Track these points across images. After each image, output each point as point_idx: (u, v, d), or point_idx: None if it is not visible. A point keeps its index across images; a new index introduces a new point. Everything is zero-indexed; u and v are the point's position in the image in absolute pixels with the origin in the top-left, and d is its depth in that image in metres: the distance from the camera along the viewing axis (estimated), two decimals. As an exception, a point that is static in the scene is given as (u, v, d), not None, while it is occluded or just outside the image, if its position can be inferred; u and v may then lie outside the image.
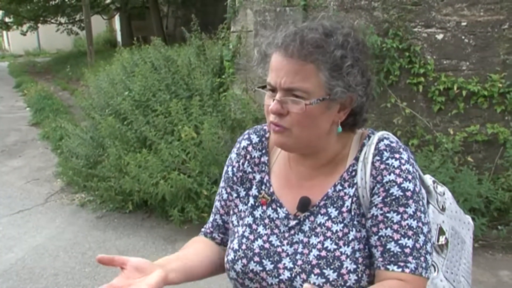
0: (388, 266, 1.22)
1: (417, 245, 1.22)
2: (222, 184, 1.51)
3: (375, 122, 5.17)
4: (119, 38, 23.01)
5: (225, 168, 1.51)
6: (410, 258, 1.21)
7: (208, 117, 5.04)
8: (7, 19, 19.67)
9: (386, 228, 1.23)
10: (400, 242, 1.22)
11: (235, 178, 1.46)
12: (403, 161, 1.26)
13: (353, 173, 1.30)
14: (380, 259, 1.23)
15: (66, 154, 6.90)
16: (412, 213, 1.23)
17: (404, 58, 5.05)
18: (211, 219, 1.54)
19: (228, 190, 1.48)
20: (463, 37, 4.99)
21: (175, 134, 5.12)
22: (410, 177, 1.25)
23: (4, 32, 26.91)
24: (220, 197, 1.50)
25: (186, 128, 4.88)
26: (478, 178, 4.65)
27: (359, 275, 1.23)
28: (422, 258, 1.22)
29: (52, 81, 14.98)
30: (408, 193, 1.24)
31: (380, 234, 1.23)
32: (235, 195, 1.45)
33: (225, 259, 1.38)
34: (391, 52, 5.00)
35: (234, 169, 1.47)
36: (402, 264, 1.21)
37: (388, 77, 5.06)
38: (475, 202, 4.35)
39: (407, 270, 1.21)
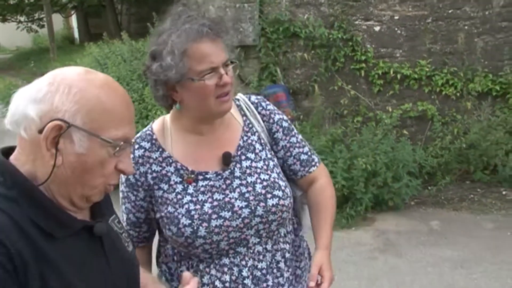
0: (310, 170, 1.63)
1: (309, 147, 1.66)
2: (125, 189, 1.52)
3: (325, 103, 5.48)
4: (76, 35, 22.49)
5: (123, 180, 1.52)
6: (313, 157, 1.66)
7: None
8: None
9: (294, 148, 1.61)
10: (305, 151, 1.63)
11: (141, 181, 1.49)
12: (271, 105, 1.63)
13: (250, 125, 1.56)
14: (302, 168, 1.63)
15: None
16: (296, 132, 1.64)
17: (347, 47, 5.37)
18: (124, 218, 1.56)
19: (135, 193, 1.51)
20: (396, 29, 5.38)
21: (150, 118, 5.26)
22: (280, 111, 1.64)
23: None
24: (128, 200, 1.52)
25: (159, 112, 5.03)
26: (412, 148, 5.02)
27: (288, 186, 1.55)
28: (314, 152, 1.69)
29: (17, 76, 14.52)
30: (289, 121, 1.64)
31: (293, 153, 1.61)
32: (160, 192, 1.48)
33: (179, 240, 1.43)
34: (336, 42, 5.31)
35: (137, 176, 1.49)
36: (314, 163, 1.65)
37: (335, 64, 5.38)
38: (412, 167, 4.73)
39: (318, 164, 1.66)
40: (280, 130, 1.59)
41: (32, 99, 0.97)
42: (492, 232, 4.27)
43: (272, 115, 1.59)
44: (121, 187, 1.53)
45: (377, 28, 5.39)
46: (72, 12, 21.82)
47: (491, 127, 5.07)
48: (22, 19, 19.23)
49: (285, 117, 1.62)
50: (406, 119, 5.39)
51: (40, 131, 0.95)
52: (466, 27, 5.23)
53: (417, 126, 5.43)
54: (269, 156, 1.55)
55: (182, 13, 1.44)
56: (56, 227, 1.00)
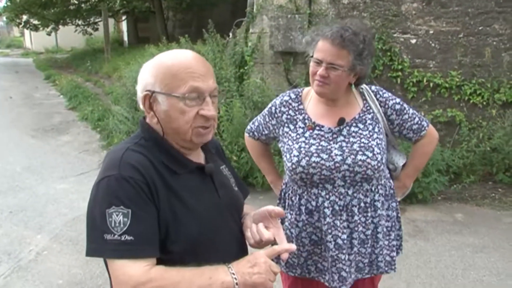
0: (421, 134, 2.06)
1: (418, 117, 2.06)
2: (266, 112, 2.08)
3: (363, 106, 5.82)
4: (125, 38, 23.27)
5: (269, 106, 2.07)
6: (423, 123, 2.06)
7: (234, 100, 5.64)
8: (36, 22, 19.95)
9: (406, 123, 2.03)
10: (415, 122, 2.04)
11: (278, 115, 2.01)
12: (388, 93, 2.03)
13: (368, 107, 1.97)
14: (415, 135, 2.06)
15: (107, 132, 7.44)
16: (407, 109, 2.03)
17: (386, 57, 5.73)
18: (256, 124, 2.15)
19: (269, 118, 2.05)
20: (430, 42, 5.70)
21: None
22: (394, 96, 2.03)
23: (27, 32, 27.04)
24: (263, 118, 2.10)
25: (216, 108, 5.47)
26: (441, 150, 5.34)
27: (381, 155, 1.91)
28: (424, 118, 2.08)
29: (74, 74, 15.28)
30: (401, 103, 2.03)
31: (406, 127, 2.03)
32: (287, 129, 1.97)
33: (288, 164, 1.90)
34: (376, 52, 5.65)
35: (277, 110, 2.02)
36: (423, 128, 2.06)
37: (374, 71, 5.74)
38: (440, 164, 5.06)
39: (427, 128, 2.07)
40: (394, 112, 1.99)
41: (137, 82, 1.38)
42: (510, 225, 4.55)
43: (387, 101, 1.98)
44: (264, 111, 2.10)
45: (413, 41, 5.72)
46: (123, 17, 22.62)
47: (514, 133, 5.30)
48: (79, 22, 20.09)
49: (397, 101, 2.01)
50: (436, 123, 5.62)
51: None
52: (494, 43, 5.51)
53: (446, 130, 5.72)
54: (376, 130, 1.93)
55: (329, 25, 1.92)
56: (178, 166, 1.33)
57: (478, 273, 3.71)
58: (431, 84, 5.65)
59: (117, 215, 1.18)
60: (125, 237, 1.18)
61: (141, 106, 1.36)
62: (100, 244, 1.19)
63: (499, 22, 5.48)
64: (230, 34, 6.85)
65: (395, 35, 5.74)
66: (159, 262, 1.23)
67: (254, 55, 6.15)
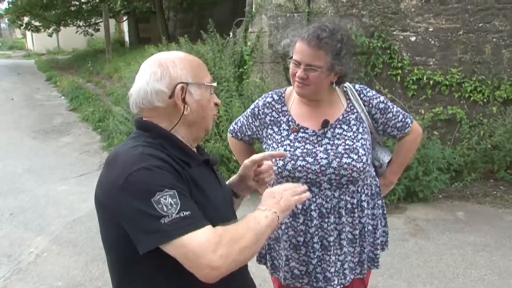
0: (405, 131, 2.03)
1: (402, 115, 2.03)
2: (249, 113, 2.04)
3: (363, 104, 5.79)
4: (126, 38, 23.27)
5: (252, 107, 2.03)
6: (407, 120, 2.03)
7: (233, 99, 5.61)
8: (37, 23, 19.97)
9: (391, 121, 1.99)
10: (399, 119, 2.01)
11: (261, 117, 1.97)
12: (372, 91, 1.99)
13: (352, 107, 1.93)
14: (399, 132, 2.03)
15: (107, 133, 7.42)
16: (391, 107, 2.00)
17: (386, 54, 5.68)
18: (239, 125, 2.11)
19: (253, 119, 2.01)
20: (430, 40, 5.66)
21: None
22: (378, 95, 1.99)
23: (28, 34, 27.10)
24: (246, 119, 2.06)
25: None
26: (442, 148, 5.27)
27: (366, 156, 1.88)
28: (407, 115, 2.05)
29: (76, 75, 15.24)
30: (385, 101, 1.99)
31: (390, 125, 2.00)
32: (270, 131, 1.94)
33: (274, 168, 1.85)
34: (376, 50, 5.64)
35: (260, 111, 1.98)
36: (407, 125, 2.03)
37: (374, 69, 5.70)
38: (441, 163, 5.02)
39: (411, 125, 2.04)
40: (378, 111, 1.96)
41: (154, 80, 1.34)
42: (512, 223, 4.54)
43: (371, 100, 1.95)
44: (246, 112, 2.06)
45: (413, 39, 5.67)
46: (124, 18, 22.61)
47: (515, 131, 5.26)
48: (80, 23, 20.09)
49: (381, 99, 1.97)
50: (436, 121, 5.63)
51: (170, 97, 1.33)
52: (494, 39, 5.46)
53: (446, 128, 5.68)
54: (360, 130, 1.90)
55: (304, 26, 1.91)
56: (191, 159, 1.36)
57: (479, 272, 3.67)
58: (431, 82, 5.60)
59: (165, 199, 1.18)
60: (182, 213, 1.18)
61: (160, 104, 1.33)
62: (161, 230, 1.17)
63: (499, 18, 5.44)
64: (231, 34, 6.83)
65: (394, 32, 5.69)
66: (169, 256, 1.22)
67: (253, 55, 6.12)
